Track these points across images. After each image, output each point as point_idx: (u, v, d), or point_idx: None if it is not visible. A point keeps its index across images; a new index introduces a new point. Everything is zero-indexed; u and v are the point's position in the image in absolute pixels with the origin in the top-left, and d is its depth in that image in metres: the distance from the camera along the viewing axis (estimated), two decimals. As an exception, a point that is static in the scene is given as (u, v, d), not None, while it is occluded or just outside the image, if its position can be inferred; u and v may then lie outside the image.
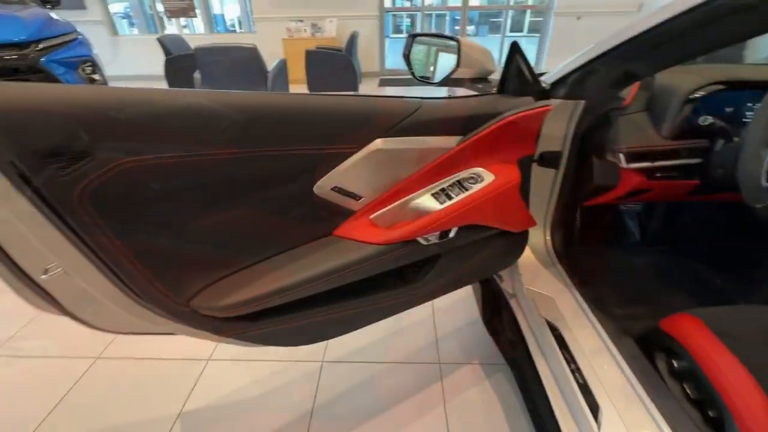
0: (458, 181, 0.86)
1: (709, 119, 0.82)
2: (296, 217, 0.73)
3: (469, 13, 7.04)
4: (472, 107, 0.83)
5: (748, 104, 0.94)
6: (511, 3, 8.18)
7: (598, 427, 0.75)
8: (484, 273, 1.05)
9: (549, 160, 1.10)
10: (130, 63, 6.57)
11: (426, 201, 0.83)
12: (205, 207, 0.62)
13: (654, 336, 0.89)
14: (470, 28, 18.23)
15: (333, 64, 4.42)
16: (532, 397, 1.05)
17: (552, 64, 6.52)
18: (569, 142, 1.08)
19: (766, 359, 0.77)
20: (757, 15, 0.54)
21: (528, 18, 15.92)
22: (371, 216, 0.80)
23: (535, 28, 6.80)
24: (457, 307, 1.52)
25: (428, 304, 1.46)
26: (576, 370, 0.86)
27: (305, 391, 1.20)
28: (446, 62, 1.05)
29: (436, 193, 0.84)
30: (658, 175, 0.96)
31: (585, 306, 1.00)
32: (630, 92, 0.97)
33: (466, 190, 0.85)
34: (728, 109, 0.94)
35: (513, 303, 1.17)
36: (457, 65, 0.98)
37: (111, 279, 0.60)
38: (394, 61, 9.83)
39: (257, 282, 0.73)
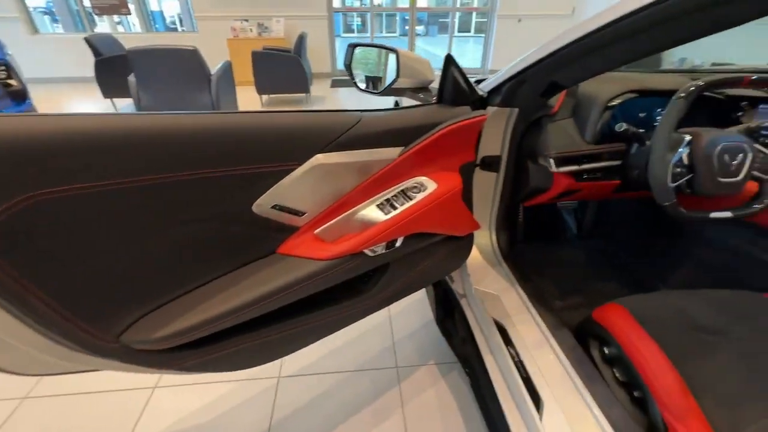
0: (403, 191, 0.87)
1: (624, 126, 0.90)
2: (235, 238, 0.71)
3: (419, 14, 7.15)
4: (413, 118, 0.84)
5: (658, 110, 1.04)
6: (458, 5, 8.42)
7: (540, 417, 0.80)
8: (434, 277, 1.08)
9: (490, 164, 1.15)
10: (55, 64, 5.99)
11: (371, 212, 0.84)
12: (128, 236, 0.59)
13: (588, 325, 0.96)
14: (420, 28, 18.58)
15: (281, 66, 4.31)
16: (483, 393, 1.10)
17: (498, 63, 6.83)
18: (507, 147, 1.14)
19: (679, 340, 0.86)
20: (675, 27, 0.57)
21: (474, 19, 16.47)
22: (316, 231, 0.79)
23: (481, 29, 7.05)
24: (412, 309, 1.55)
25: (385, 308, 1.48)
26: (520, 365, 0.91)
27: (261, 410, 1.17)
28: (386, 72, 1.06)
29: (381, 204, 0.85)
30: (584, 176, 1.04)
31: (528, 302, 1.06)
32: (558, 100, 1.03)
33: (411, 199, 0.86)
34: (641, 115, 1.04)
35: (463, 303, 1.21)
36: (397, 75, 0.99)
37: (24, 322, 0.55)
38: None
39: (195, 309, 0.70)
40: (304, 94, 4.91)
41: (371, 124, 0.78)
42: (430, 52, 10.83)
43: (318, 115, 0.74)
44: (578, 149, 0.98)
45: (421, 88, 1.05)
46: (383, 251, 0.88)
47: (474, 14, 15.80)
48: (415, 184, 0.88)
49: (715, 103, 1.02)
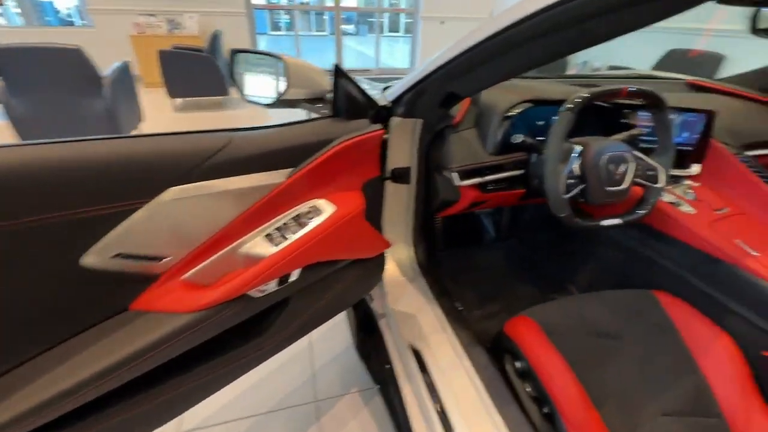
0: (295, 218, 0.77)
1: (520, 137, 0.90)
2: (66, 300, 0.56)
3: (349, 13, 7.03)
4: (301, 135, 0.75)
5: (554, 118, 1.06)
6: (385, 5, 8.46)
7: None
8: (344, 305, 1.00)
9: (400, 176, 1.10)
10: None
11: (257, 246, 0.73)
12: None
13: (500, 340, 0.95)
14: (350, 27, 18.50)
15: (193, 66, 3.95)
16: (399, 422, 1.05)
17: (425, 64, 6.97)
18: (416, 159, 1.10)
19: (582, 349, 0.88)
20: (566, 35, 0.54)
21: (403, 19, 16.75)
22: (185, 276, 0.66)
23: (410, 30, 7.16)
24: (337, 330, 1.46)
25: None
26: (434, 393, 0.87)
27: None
28: (276, 82, 0.95)
29: (270, 234, 0.74)
30: (490, 187, 1.03)
31: (444, 319, 1.02)
32: (460, 110, 1.01)
33: (305, 226, 0.77)
34: (540, 123, 1.05)
35: (382, 324, 1.15)
36: (288, 85, 0.88)
37: None
38: (273, 60, 9.33)
39: (17, 394, 0.54)
40: (221, 97, 4.57)
41: (246, 145, 0.67)
42: (362, 52, 10.80)
43: (172, 138, 0.61)
44: (480, 161, 0.95)
45: (318, 99, 0.96)
46: (276, 288, 0.77)
47: (402, 15, 16.10)
48: (310, 209, 0.79)
49: (603, 109, 1.06)
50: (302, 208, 0.78)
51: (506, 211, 1.65)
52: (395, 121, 1.01)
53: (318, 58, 9.55)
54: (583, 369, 0.83)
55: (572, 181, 0.83)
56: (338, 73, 0.79)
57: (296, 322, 0.88)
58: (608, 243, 1.23)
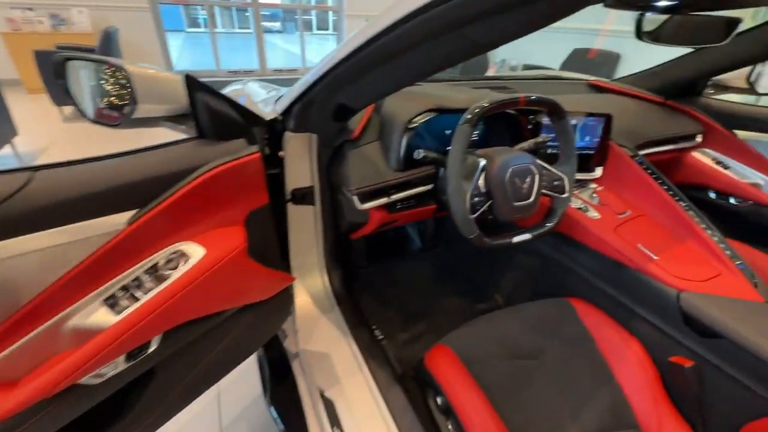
0: (151, 269, 0.61)
1: (422, 153, 0.81)
2: None
3: (274, 10, 6.65)
4: (153, 164, 0.59)
5: (462, 126, 1.00)
6: (306, 2, 8.18)
7: None
8: (239, 358, 0.85)
9: (303, 197, 0.97)
10: None
11: (92, 315, 0.56)
12: None
13: (421, 373, 0.87)
14: (276, 25, 17.77)
15: (82, 70, 3.42)
16: None
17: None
18: (317, 177, 0.97)
19: (501, 376, 0.83)
20: (447, 42, 0.48)
21: (331, 17, 16.45)
22: None
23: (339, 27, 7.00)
24: (247, 377, 1.28)
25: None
26: None
27: None
28: (122, 96, 0.77)
29: (113, 297, 0.58)
30: (398, 206, 0.94)
31: (360, 357, 0.92)
32: (360, 122, 0.90)
33: (164, 279, 0.61)
34: (448, 132, 0.98)
35: (296, 367, 1.01)
36: (135, 101, 0.71)
37: None
38: (192, 61, 8.61)
39: None
40: (125, 103, 4.03)
41: (55, 186, 0.50)
42: (289, 50, 10.38)
43: None
44: (384, 180, 0.86)
45: (182, 116, 0.79)
46: (125, 366, 0.61)
47: (330, 13, 15.80)
48: (172, 256, 0.63)
49: (510, 115, 1.02)
50: (160, 256, 0.62)
51: (431, 220, 1.59)
52: (288, 136, 0.88)
53: (241, 58, 8.99)
54: (503, 398, 0.77)
55: (478, 198, 0.77)
56: (192, 85, 0.64)
57: (172, 394, 0.72)
58: (526, 250, 1.21)
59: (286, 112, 0.83)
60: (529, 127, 1.02)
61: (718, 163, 1.33)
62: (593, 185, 1.09)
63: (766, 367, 0.67)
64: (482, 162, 0.79)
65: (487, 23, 0.45)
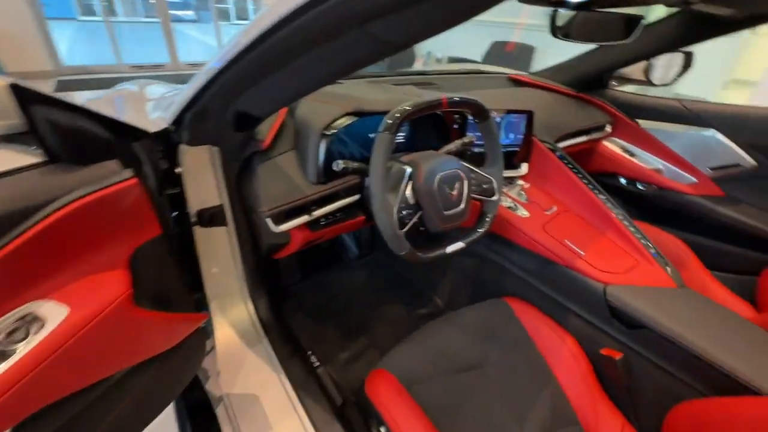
0: None
1: (341, 164, 0.73)
2: None
3: None
4: None
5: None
6: (221, -11, 7.56)
7: None
8: (140, 424, 0.71)
9: (212, 218, 0.83)
10: None
11: None
12: None
13: (362, 403, 0.80)
14: (189, 14, 16.28)
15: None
16: None
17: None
18: (226, 194, 0.84)
19: (447, 393, 0.79)
20: (350, 41, 0.41)
21: (251, 6, 15.48)
22: None
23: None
24: (164, 429, 1.10)
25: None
26: None
27: None
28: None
29: None
30: (322, 222, 0.85)
31: (294, 396, 0.82)
32: (270, 130, 0.78)
33: (7, 357, 0.46)
34: (372, 135, 0.90)
35: (220, 413, 0.88)
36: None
37: None
38: (89, 54, 7.52)
39: None
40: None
41: None
42: (206, 42, 9.55)
43: None
44: (302, 196, 0.76)
45: (21, 134, 0.62)
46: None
47: (250, 1, 14.81)
48: (16, 325, 0.48)
49: (435, 115, 0.98)
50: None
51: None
52: (184, 149, 0.74)
53: (149, 51, 8.07)
54: (447, 418, 0.73)
55: (407, 211, 0.70)
56: (25, 97, 0.49)
57: None
58: (463, 252, 1.19)
59: (177, 122, 0.69)
60: (455, 126, 0.98)
61: (626, 151, 1.42)
62: (520, 182, 1.09)
63: (685, 353, 0.70)
64: (408, 170, 0.73)
65: (393, 19, 0.38)
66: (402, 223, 0.69)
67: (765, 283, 1.06)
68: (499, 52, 4.02)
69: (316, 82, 0.55)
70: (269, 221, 0.73)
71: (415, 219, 0.72)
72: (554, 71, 1.47)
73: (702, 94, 3.25)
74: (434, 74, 1.48)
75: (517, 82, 1.45)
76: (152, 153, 0.77)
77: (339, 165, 0.71)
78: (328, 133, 0.77)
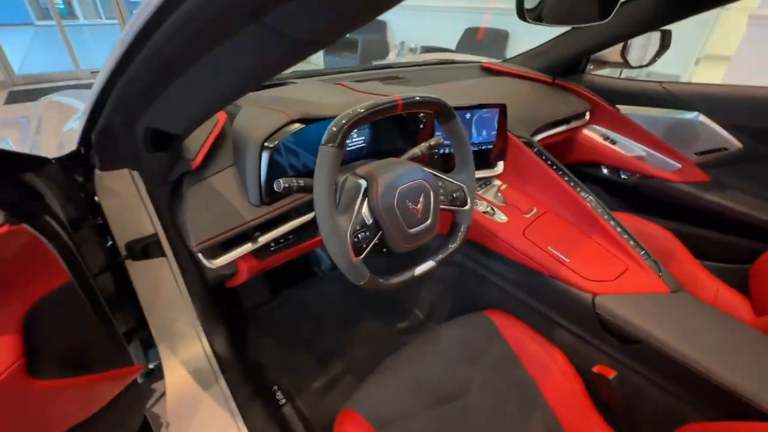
0: None
1: (282, 183, 0.62)
2: None
3: None
4: None
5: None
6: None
7: None
8: None
9: (145, 249, 0.72)
10: None
11: None
12: None
13: None
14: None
15: None
16: None
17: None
18: (158, 221, 0.73)
19: (427, 431, 0.71)
20: (254, 39, 0.33)
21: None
22: None
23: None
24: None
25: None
26: None
27: None
28: None
29: None
30: (272, 248, 0.74)
31: None
32: (203, 146, 0.67)
33: None
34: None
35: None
36: None
37: None
38: (45, 62, 7.11)
39: None
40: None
41: None
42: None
43: None
44: (241, 222, 0.65)
45: None
46: None
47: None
48: None
49: (399, 117, 0.87)
50: None
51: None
52: (98, 175, 0.62)
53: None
54: None
55: (364, 234, 0.60)
56: None
57: None
58: None
59: (85, 141, 0.58)
60: (421, 126, 0.88)
61: (606, 138, 1.35)
62: (497, 182, 1.00)
63: (685, 371, 0.62)
64: (363, 184, 0.62)
65: (290, 8, 0.28)
66: (359, 249, 0.59)
67: (758, 274, 1.01)
68: (472, 38, 3.93)
69: (229, 92, 0.44)
70: (201, 256, 0.62)
71: (375, 240, 0.62)
72: (528, 57, 1.38)
73: (674, 72, 3.22)
74: (401, 67, 1.37)
75: (489, 71, 1.36)
76: (62, 182, 0.66)
77: (280, 185, 0.60)
78: (270, 144, 0.66)
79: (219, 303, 0.92)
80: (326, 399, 0.97)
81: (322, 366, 1.06)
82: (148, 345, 0.88)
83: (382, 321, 1.23)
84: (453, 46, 4.10)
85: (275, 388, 0.89)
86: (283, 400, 0.85)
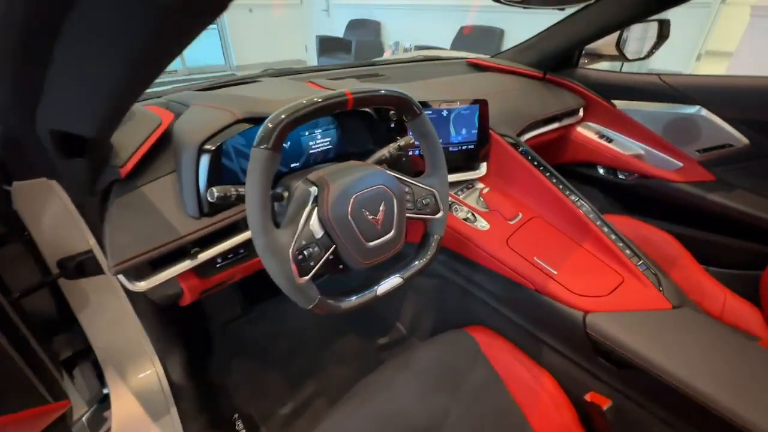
0: None
1: (216, 193, 0.53)
2: None
3: None
4: None
5: (305, 132, 0.74)
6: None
7: None
8: None
9: (81, 267, 0.64)
10: None
11: None
12: None
13: None
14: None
15: None
16: None
17: (243, 57, 6.20)
18: (91, 236, 0.65)
19: None
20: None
21: (217, 8, 14.99)
22: None
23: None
24: None
25: None
26: None
27: None
28: None
29: None
30: (219, 263, 0.66)
31: None
32: (135, 154, 0.58)
33: None
34: (285, 145, 0.71)
35: None
36: None
37: None
38: None
39: None
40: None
41: None
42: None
43: None
44: (173, 238, 0.57)
45: None
46: None
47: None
48: None
49: (366, 115, 0.79)
50: None
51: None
52: (16, 186, 0.55)
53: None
54: None
55: (313, 249, 0.52)
56: None
57: None
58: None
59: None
60: (392, 125, 0.80)
61: (602, 136, 1.26)
62: (479, 185, 0.92)
63: (688, 402, 0.54)
64: (314, 191, 0.54)
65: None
66: (305, 268, 0.50)
67: (770, 282, 0.91)
68: (467, 37, 3.85)
69: (119, 83, 0.36)
70: (125, 279, 0.54)
71: (327, 256, 0.54)
72: (517, 52, 1.30)
73: (675, 68, 3.13)
74: (384, 64, 1.29)
75: (476, 67, 1.28)
76: None
77: (213, 194, 0.52)
78: (210, 147, 0.58)
79: (176, 321, 0.84)
80: (293, 428, 0.88)
81: (294, 389, 0.98)
82: (97, 370, 0.80)
83: (363, 336, 1.14)
84: (448, 46, 4.02)
85: (236, 416, 0.80)
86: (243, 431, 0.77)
